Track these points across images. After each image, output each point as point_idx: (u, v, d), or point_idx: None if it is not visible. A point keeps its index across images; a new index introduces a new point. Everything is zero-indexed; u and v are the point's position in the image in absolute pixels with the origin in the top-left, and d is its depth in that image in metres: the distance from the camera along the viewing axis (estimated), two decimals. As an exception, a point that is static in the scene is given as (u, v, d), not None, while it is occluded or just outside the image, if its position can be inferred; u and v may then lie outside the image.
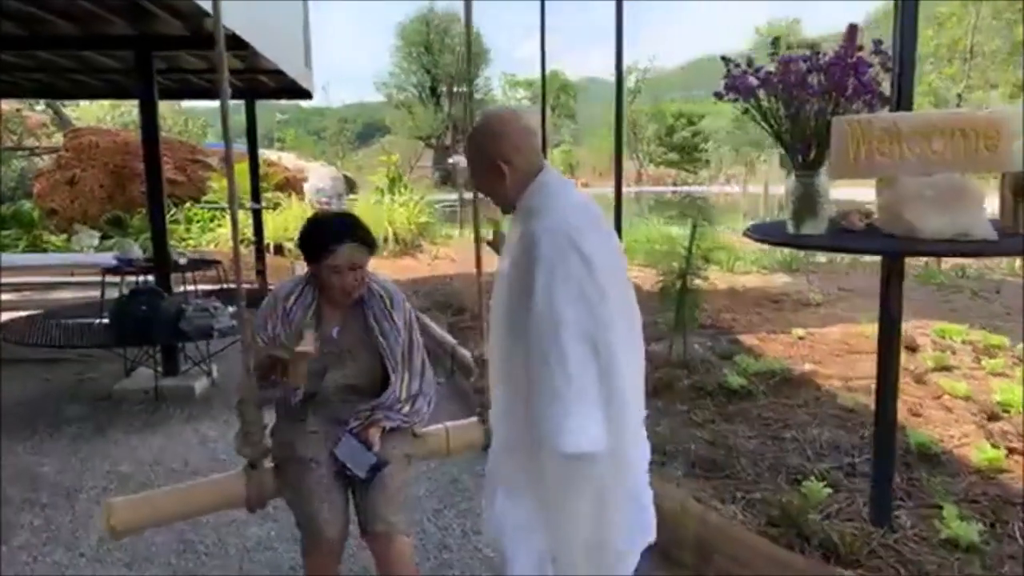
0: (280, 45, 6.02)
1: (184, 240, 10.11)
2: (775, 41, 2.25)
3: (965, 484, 2.82)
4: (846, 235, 2.25)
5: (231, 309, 4.73)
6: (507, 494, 1.69)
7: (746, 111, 2.31)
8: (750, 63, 2.25)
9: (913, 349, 4.76)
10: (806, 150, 2.22)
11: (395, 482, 2.13)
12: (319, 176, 20.60)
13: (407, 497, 2.25)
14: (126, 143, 11.23)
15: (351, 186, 26.77)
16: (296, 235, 2.29)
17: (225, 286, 6.07)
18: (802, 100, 2.16)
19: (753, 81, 2.22)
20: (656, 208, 21.85)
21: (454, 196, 21.99)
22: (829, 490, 2.74)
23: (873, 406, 3.77)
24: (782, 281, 7.77)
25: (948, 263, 8.01)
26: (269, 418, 2.26)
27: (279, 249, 9.71)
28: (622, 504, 1.61)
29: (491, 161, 1.71)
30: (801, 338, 5.17)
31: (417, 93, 37.18)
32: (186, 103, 22.85)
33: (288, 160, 16.50)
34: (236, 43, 4.87)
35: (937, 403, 3.71)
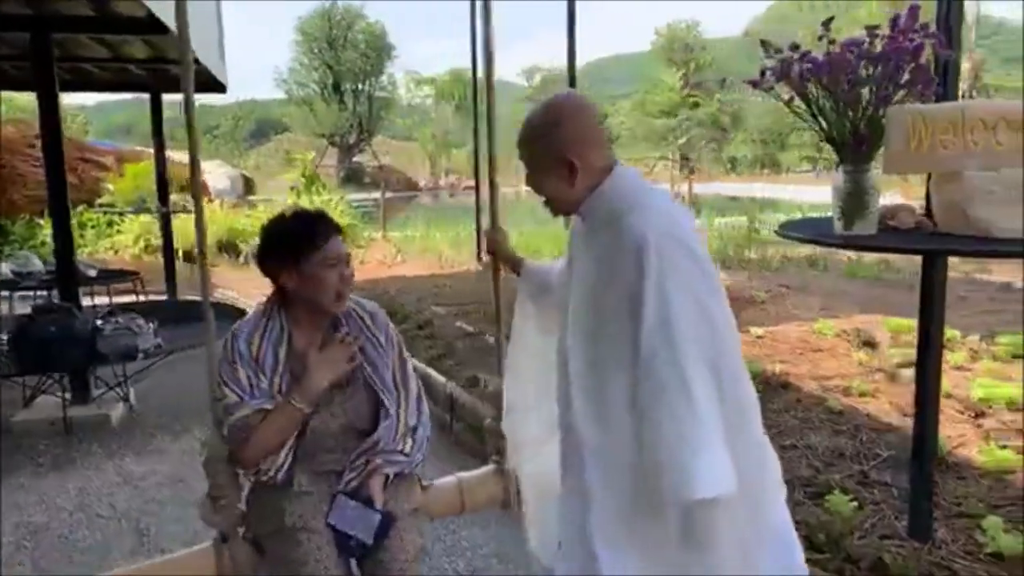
0: (194, 32, 5.44)
1: (80, 247, 9.17)
2: (827, 23, 2.04)
3: (984, 489, 2.74)
4: (897, 235, 2.09)
5: (154, 325, 4.20)
6: (613, 557, 1.37)
7: (790, 100, 2.10)
8: (795, 47, 2.05)
9: (872, 345, 4.78)
10: (857, 143, 2.04)
11: (408, 547, 1.78)
12: (217, 177, 19.51)
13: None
14: (5, 141, 10.11)
15: (250, 186, 25.61)
16: (257, 241, 1.91)
17: (144, 299, 5.43)
18: (858, 88, 1.97)
19: (801, 67, 2.01)
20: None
21: (366, 196, 21.36)
22: (855, 503, 2.59)
23: (859, 408, 3.75)
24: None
25: (871, 257, 8.27)
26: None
27: (188, 256, 8.95)
28: (768, 545, 1.42)
29: (559, 156, 1.47)
30: (760, 337, 5.11)
31: (319, 90, 35.90)
32: (64, 99, 21.07)
33: (184, 160, 15.44)
34: (152, 27, 4.32)
35: (920, 401, 3.67)
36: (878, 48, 1.93)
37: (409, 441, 1.87)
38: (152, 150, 7.38)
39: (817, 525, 2.42)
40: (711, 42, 39.64)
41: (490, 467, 2.12)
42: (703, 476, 1.25)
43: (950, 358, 4.35)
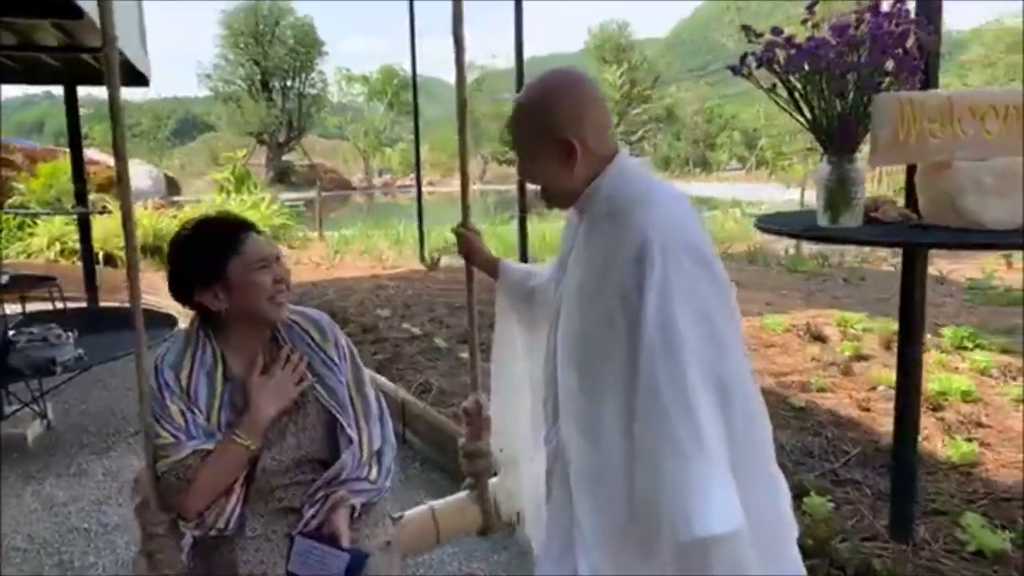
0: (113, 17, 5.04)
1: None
2: (811, 6, 1.95)
3: (954, 484, 2.72)
4: (883, 227, 2.01)
5: (73, 335, 3.84)
6: None
7: (772, 87, 2.00)
8: (778, 32, 1.94)
9: (822, 339, 4.81)
10: (844, 132, 1.95)
11: None
12: (138, 176, 18.59)
13: None
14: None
15: (174, 186, 24.58)
16: (166, 254, 1.64)
17: (60, 306, 5.00)
18: (844, 74, 1.88)
19: (787, 52, 1.91)
20: (501, 205, 21.83)
21: (298, 195, 20.73)
22: (831, 504, 2.53)
23: (819, 403, 3.73)
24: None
25: (810, 250, 8.43)
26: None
27: (109, 259, 8.41)
28: None
29: (556, 136, 1.30)
30: (712, 334, 5.07)
31: (246, 87, 34.70)
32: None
33: (103, 159, 14.63)
34: (65, 10, 3.97)
35: (877, 395, 3.67)
36: (864, 32, 1.85)
37: (375, 467, 1.63)
38: (66, 149, 6.84)
39: (803, 530, 2.33)
40: (639, 43, 40.24)
41: (465, 492, 1.92)
42: (706, 512, 1.12)
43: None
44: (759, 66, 1.98)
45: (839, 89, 1.90)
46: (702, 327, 1.18)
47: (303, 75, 35.51)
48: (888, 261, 8.14)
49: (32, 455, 3.85)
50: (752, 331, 5.13)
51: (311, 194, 14.40)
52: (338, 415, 1.62)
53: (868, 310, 5.46)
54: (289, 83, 35.23)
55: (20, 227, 9.06)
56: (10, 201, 9.36)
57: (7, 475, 3.62)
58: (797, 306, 5.85)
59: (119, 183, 1.42)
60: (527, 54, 5.84)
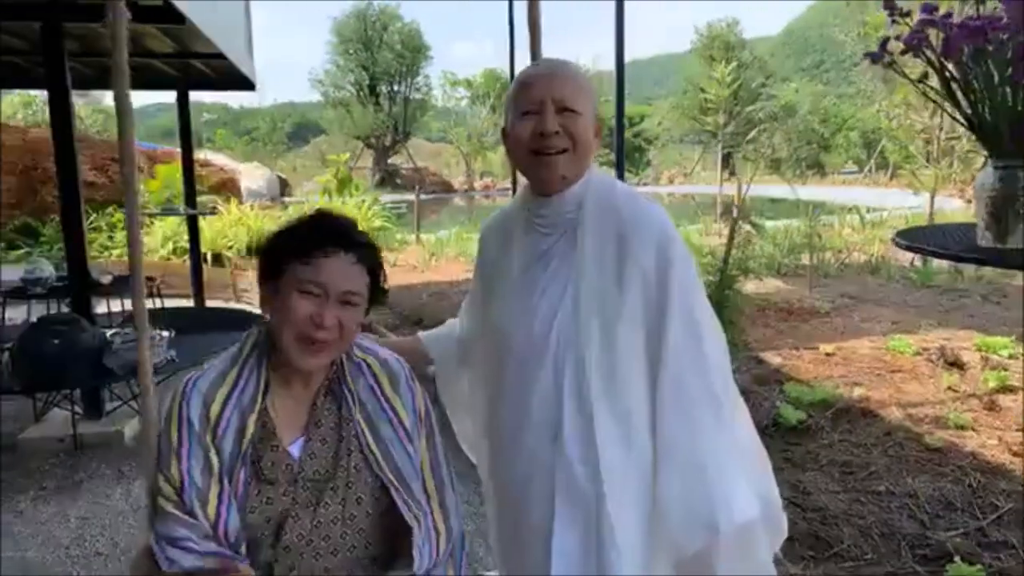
0: (219, 24, 5.11)
1: (107, 249, 9.01)
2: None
3: None
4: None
5: (168, 335, 3.87)
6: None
7: (922, 78, 1.65)
8: (931, 8, 1.60)
9: (960, 366, 4.27)
10: (1018, 132, 1.59)
11: None
12: (252, 177, 19.48)
13: None
14: (36, 142, 10.03)
15: (285, 188, 25.60)
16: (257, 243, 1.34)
17: (162, 306, 5.14)
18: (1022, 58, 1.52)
19: (948, 33, 1.57)
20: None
21: (399, 197, 21.10)
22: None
23: (959, 444, 3.25)
24: (774, 286, 7.26)
25: (941, 264, 7.65)
26: None
27: (217, 258, 8.70)
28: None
29: (597, 113, 1.33)
30: (830, 354, 4.62)
31: (355, 91, 35.82)
32: (108, 100, 21.13)
33: (219, 161, 15.35)
34: (167, 15, 4.00)
35: (1031, 437, 3.17)
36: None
37: (451, 568, 1.30)
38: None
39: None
40: (750, 42, 38.73)
41: None
42: (738, 499, 1.18)
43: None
44: (905, 51, 1.64)
45: (1013, 78, 1.53)
46: (716, 324, 1.28)
47: (409, 80, 36.30)
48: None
49: (127, 454, 3.91)
50: (875, 353, 4.64)
51: (412, 196, 14.58)
52: (395, 493, 1.23)
53: (1013, 333, 4.84)
54: (396, 88, 36.08)
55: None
56: (130, 202, 9.92)
57: (102, 472, 3.69)
58: (928, 326, 5.27)
59: (126, 189, 1.26)
60: (628, 57, 5.56)
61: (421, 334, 1.64)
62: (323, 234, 1.21)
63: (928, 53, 1.60)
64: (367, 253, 1.25)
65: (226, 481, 1.17)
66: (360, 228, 1.29)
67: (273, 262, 1.23)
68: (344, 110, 35.42)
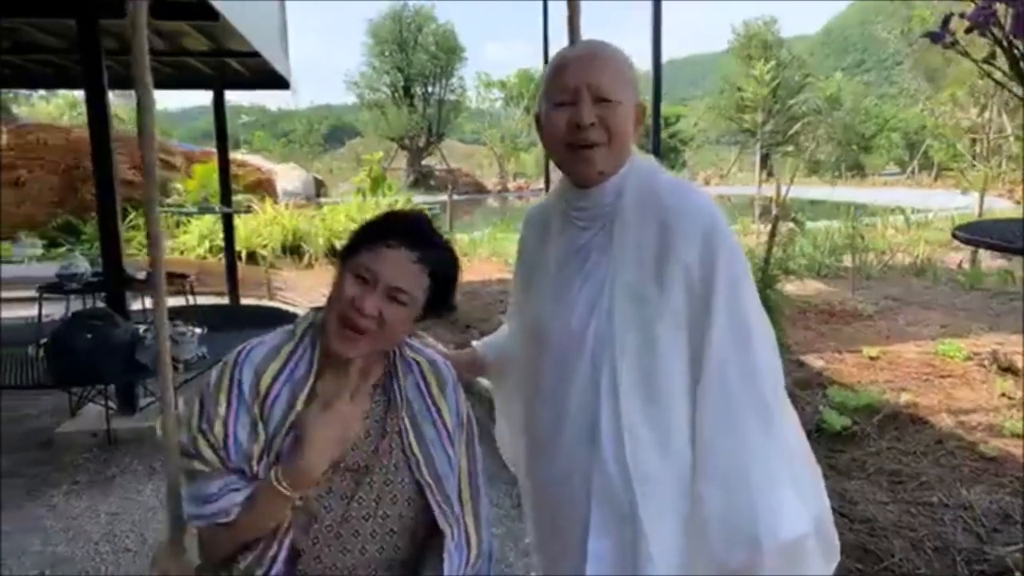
0: (253, 21, 5.12)
1: (144, 247, 9.13)
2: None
3: None
4: None
5: (199, 331, 3.87)
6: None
7: (990, 57, 1.53)
8: (1004, -14, 1.48)
9: (1014, 372, 4.07)
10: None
11: None
12: (288, 178, 19.73)
13: None
14: (79, 142, 10.24)
15: (321, 189, 25.88)
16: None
17: (196, 303, 5.17)
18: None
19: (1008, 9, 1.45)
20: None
21: (433, 198, 21.19)
22: (1047, 594, 1.99)
23: (1016, 454, 3.08)
24: (815, 288, 7.06)
25: (990, 263, 7.38)
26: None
27: (252, 257, 8.78)
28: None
29: (637, 99, 1.24)
30: (874, 359, 4.45)
31: (390, 93, 36.11)
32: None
33: (255, 162, 15.55)
34: (202, 11, 4.00)
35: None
36: None
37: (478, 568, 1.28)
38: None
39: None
40: (788, 41, 38.11)
41: None
42: (789, 513, 1.11)
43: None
44: (970, 29, 1.52)
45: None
46: (767, 323, 1.20)
47: (443, 81, 36.48)
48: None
49: (159, 449, 3.90)
50: (923, 357, 4.46)
51: (445, 197, 14.60)
52: (430, 496, 1.22)
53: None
54: (430, 89, 36.28)
55: (177, 225, 9.72)
56: (168, 201, 10.09)
57: (134, 468, 3.69)
58: (978, 330, 5.06)
59: (146, 180, 1.21)
60: (664, 57, 5.46)
61: (475, 343, 1.63)
62: (393, 227, 1.23)
63: (995, 31, 1.49)
64: (434, 256, 1.23)
65: (271, 451, 1.18)
66: (433, 228, 1.29)
67: (352, 247, 1.24)
68: (379, 112, 35.72)
